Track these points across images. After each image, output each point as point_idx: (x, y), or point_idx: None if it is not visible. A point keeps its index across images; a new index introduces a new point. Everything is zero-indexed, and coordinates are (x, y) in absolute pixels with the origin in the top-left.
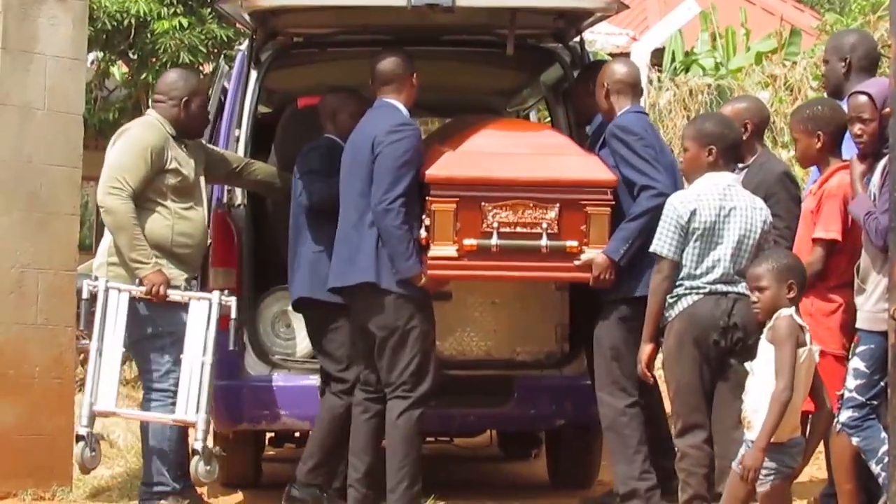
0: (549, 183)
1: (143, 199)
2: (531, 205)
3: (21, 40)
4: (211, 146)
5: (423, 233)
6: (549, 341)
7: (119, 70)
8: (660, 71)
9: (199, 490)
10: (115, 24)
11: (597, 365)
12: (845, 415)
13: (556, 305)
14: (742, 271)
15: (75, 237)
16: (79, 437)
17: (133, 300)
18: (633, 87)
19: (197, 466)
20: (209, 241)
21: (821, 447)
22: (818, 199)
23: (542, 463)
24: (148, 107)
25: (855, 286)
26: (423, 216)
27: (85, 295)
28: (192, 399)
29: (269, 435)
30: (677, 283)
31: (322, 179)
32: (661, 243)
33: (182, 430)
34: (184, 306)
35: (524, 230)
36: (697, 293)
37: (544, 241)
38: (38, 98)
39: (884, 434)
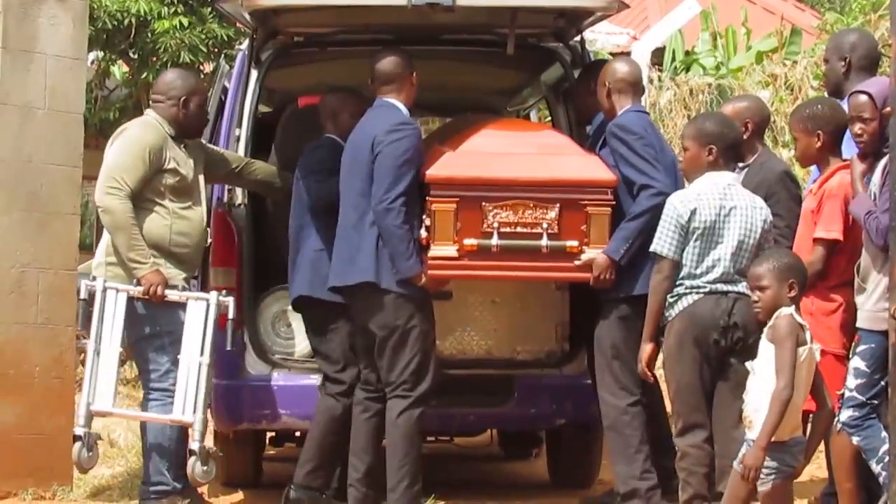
0: (549, 183)
1: (142, 198)
2: (531, 205)
3: (21, 40)
4: (211, 146)
5: (423, 233)
6: (549, 340)
7: (119, 69)
8: (660, 70)
9: (199, 489)
10: (116, 23)
11: (598, 364)
12: (846, 414)
13: (557, 305)
14: (742, 271)
15: (76, 237)
16: (76, 438)
17: (131, 300)
18: (634, 86)
19: (194, 467)
20: (209, 240)
21: (821, 446)
22: (819, 199)
23: (542, 462)
24: (148, 106)
25: (855, 285)
26: (424, 216)
27: (83, 295)
28: (189, 399)
29: (269, 434)
30: (677, 283)
31: (325, 178)
32: (662, 243)
33: (182, 430)
34: (182, 306)
35: (524, 230)
36: (698, 293)
37: (545, 241)
38: (39, 98)
39: (884, 433)
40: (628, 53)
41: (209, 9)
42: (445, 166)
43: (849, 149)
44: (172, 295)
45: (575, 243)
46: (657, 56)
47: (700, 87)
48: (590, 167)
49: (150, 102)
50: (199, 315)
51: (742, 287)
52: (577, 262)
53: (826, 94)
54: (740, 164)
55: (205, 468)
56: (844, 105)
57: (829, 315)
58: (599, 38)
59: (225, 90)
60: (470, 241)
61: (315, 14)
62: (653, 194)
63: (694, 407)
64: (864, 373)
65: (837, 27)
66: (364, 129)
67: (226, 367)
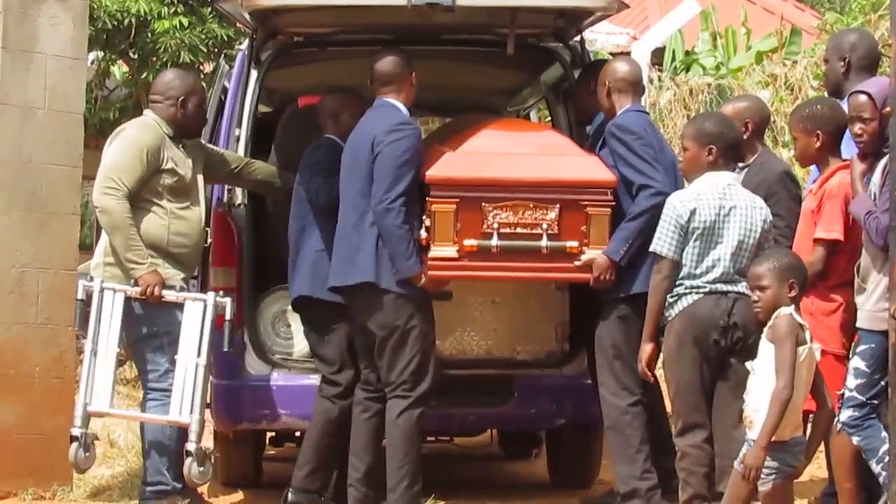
0: (549, 183)
1: (139, 199)
2: (531, 205)
3: (21, 40)
4: (210, 146)
5: (423, 233)
6: (549, 340)
7: (119, 69)
8: (660, 70)
9: (199, 489)
10: (116, 23)
11: (598, 364)
12: (846, 414)
13: (557, 305)
14: (742, 271)
15: (76, 237)
16: (73, 438)
17: (129, 300)
18: (634, 86)
19: (191, 467)
20: (208, 240)
21: (821, 446)
22: (819, 199)
23: (542, 462)
24: (148, 106)
25: (855, 285)
26: (424, 217)
27: (80, 295)
28: (186, 400)
29: (269, 434)
30: (677, 283)
31: (326, 178)
32: (661, 243)
33: (182, 430)
34: (180, 306)
35: (524, 231)
36: (697, 293)
37: (545, 242)
38: (39, 98)
39: (884, 433)
40: (628, 53)
41: (209, 9)
42: (445, 167)
43: (848, 149)
44: (170, 295)
45: (575, 244)
46: (657, 56)
47: (700, 87)
48: (590, 168)
49: (149, 103)
50: (196, 315)
51: (742, 287)
52: (577, 263)
53: (826, 94)
54: (740, 164)
55: (201, 469)
56: (844, 105)
57: (829, 315)
58: (599, 38)
59: (225, 90)
60: (470, 242)
61: (315, 14)
62: (652, 194)
63: (694, 407)
64: (864, 373)
65: (837, 27)
66: (364, 129)
67: (226, 367)
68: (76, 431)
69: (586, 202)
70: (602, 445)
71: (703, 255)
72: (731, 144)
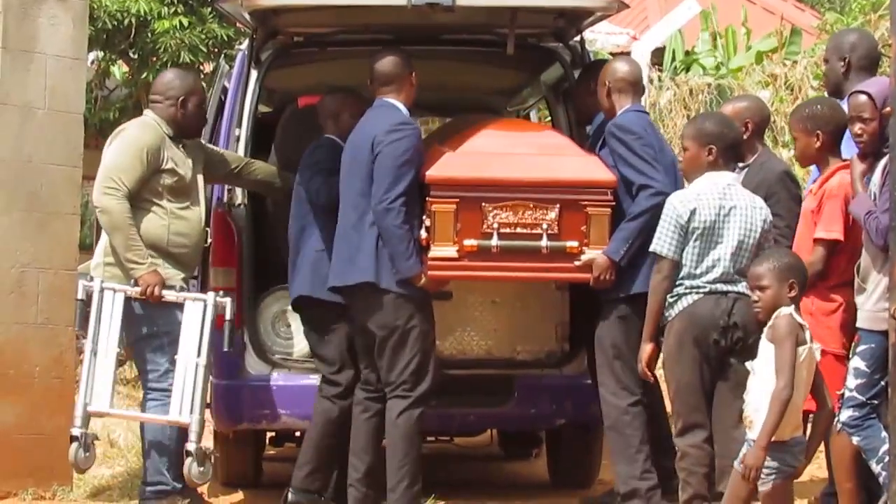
0: (549, 183)
1: (139, 199)
2: (531, 205)
3: (21, 40)
4: (210, 146)
5: (423, 233)
6: (549, 340)
7: (119, 69)
8: (660, 70)
9: (199, 489)
10: (116, 23)
11: (598, 364)
12: (846, 414)
13: (557, 305)
14: (742, 271)
15: (76, 237)
16: (73, 438)
17: (129, 300)
18: (634, 86)
19: (190, 468)
20: (208, 240)
21: (821, 446)
22: (819, 199)
23: (542, 462)
24: (148, 106)
25: (855, 285)
26: (424, 217)
27: (80, 295)
28: (186, 400)
29: (269, 434)
30: (677, 283)
31: (327, 178)
32: (661, 243)
33: (182, 430)
34: (180, 306)
35: (524, 231)
36: (697, 293)
37: (545, 242)
38: (39, 97)
39: (884, 433)
40: (628, 53)
41: (209, 9)
42: (445, 167)
43: (848, 149)
44: (170, 295)
45: (575, 244)
46: (657, 56)
47: (700, 87)
48: (590, 168)
49: (149, 103)
50: (196, 316)
51: (742, 287)
52: (577, 263)
53: (826, 94)
54: (740, 164)
55: (201, 469)
56: (844, 105)
57: (829, 315)
58: (599, 38)
59: (225, 90)
60: (470, 242)
61: (315, 14)
62: (652, 194)
63: (694, 407)
64: (864, 373)
65: (837, 27)
66: (364, 129)
67: (226, 367)
68: (76, 431)
69: (586, 202)
70: (602, 445)
71: (703, 255)
72: (731, 144)
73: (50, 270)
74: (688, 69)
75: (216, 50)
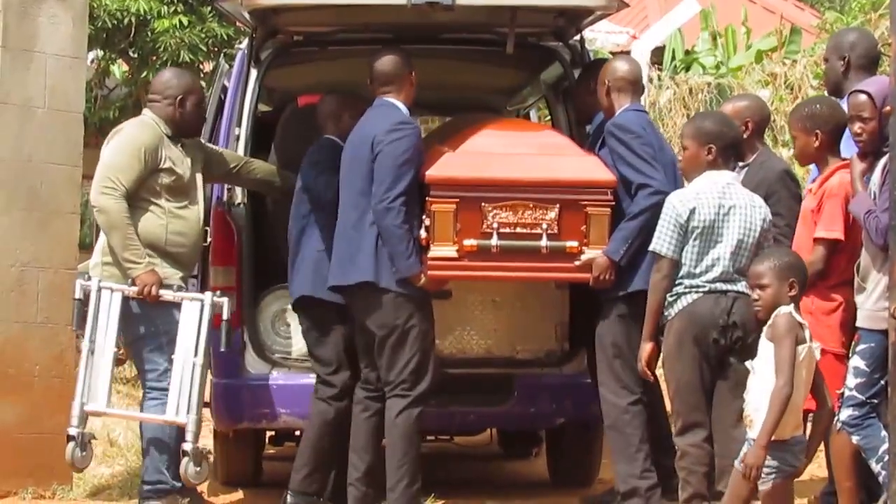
0: (549, 183)
1: (137, 198)
2: (531, 205)
3: (21, 39)
4: (210, 145)
5: (423, 233)
6: (549, 340)
7: (119, 68)
8: (660, 69)
9: (199, 489)
10: (116, 22)
11: (599, 363)
12: (845, 413)
13: (557, 304)
14: (742, 270)
15: (76, 236)
16: (69, 437)
17: (127, 300)
18: (634, 85)
19: (187, 467)
20: (209, 239)
21: (821, 446)
22: (819, 199)
23: (542, 461)
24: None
25: (855, 285)
26: (423, 216)
27: (77, 294)
28: (183, 400)
29: (269, 434)
30: (677, 282)
31: (333, 175)
32: (661, 242)
33: (181, 430)
34: (178, 306)
35: (524, 231)
36: (697, 292)
37: (544, 242)
38: (39, 97)
39: (884, 433)
40: (628, 52)
41: (209, 8)
42: (445, 167)
43: (848, 148)
44: (167, 295)
45: (575, 244)
46: (657, 55)
47: (700, 86)
48: (589, 168)
49: (147, 102)
50: (193, 315)
51: (741, 286)
52: (576, 263)
53: (826, 94)
54: (741, 164)
55: (197, 469)
56: (844, 104)
57: (829, 314)
58: (599, 37)
59: (224, 89)
60: (470, 242)
61: (314, 13)
62: (650, 193)
63: (693, 406)
64: (864, 372)
65: (837, 26)
66: (364, 129)
67: (225, 367)
68: (73, 431)
69: (586, 202)
70: (602, 444)
71: (702, 255)
72: (731, 143)
73: (50, 269)
74: (688, 68)
75: (216, 49)
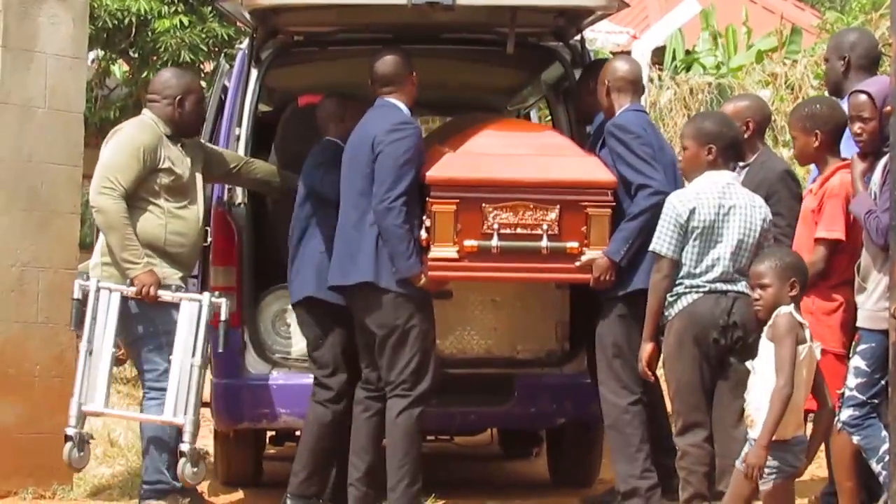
0: (549, 184)
1: (136, 198)
2: (531, 206)
3: (21, 39)
4: (210, 145)
5: (423, 234)
6: (549, 339)
7: (120, 68)
8: (660, 69)
9: (199, 488)
10: (116, 22)
11: (599, 363)
12: (846, 413)
13: (557, 304)
14: (742, 270)
15: (76, 236)
16: (67, 438)
17: (126, 300)
18: (633, 85)
19: (184, 468)
20: (209, 239)
21: (822, 446)
22: (819, 199)
23: (542, 461)
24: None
25: (855, 285)
26: (424, 217)
27: (76, 294)
28: (180, 400)
29: (269, 433)
30: (677, 282)
31: (339, 175)
32: (661, 242)
33: (181, 430)
34: (177, 306)
35: (525, 231)
36: (697, 292)
37: (545, 243)
38: (39, 97)
39: (884, 433)
40: (628, 52)
41: (209, 8)
42: (445, 167)
43: (848, 148)
44: (165, 295)
45: (575, 244)
46: (657, 55)
47: (700, 86)
48: (590, 168)
49: (147, 102)
50: (191, 316)
51: (742, 286)
52: (577, 264)
53: (826, 94)
54: (741, 164)
55: (194, 470)
56: (844, 104)
57: (830, 314)
58: (599, 37)
59: (225, 89)
60: (470, 243)
61: (315, 13)
62: (650, 194)
63: (694, 406)
64: (865, 372)
65: (838, 26)
66: (364, 129)
67: (226, 367)
68: (70, 431)
69: (586, 203)
70: (603, 444)
71: (702, 255)
72: (731, 143)
73: (50, 269)
74: (688, 68)
75: (216, 49)
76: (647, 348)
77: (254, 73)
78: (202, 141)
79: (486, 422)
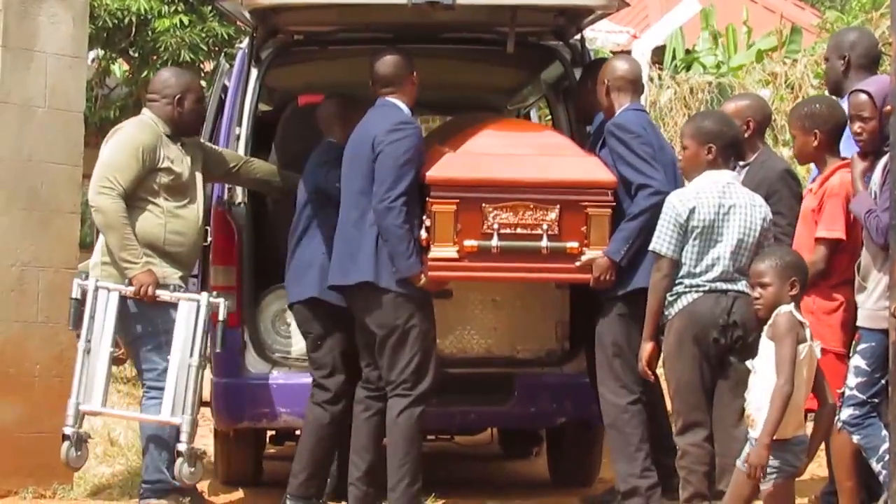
0: (549, 184)
1: (135, 197)
2: (531, 206)
3: (21, 38)
4: (210, 144)
5: (423, 234)
6: (549, 339)
7: (120, 68)
8: (661, 69)
9: (199, 488)
10: (116, 21)
11: (598, 362)
12: (846, 413)
13: (557, 303)
14: (742, 269)
15: (76, 235)
16: (65, 437)
17: (125, 300)
18: (633, 84)
19: (181, 468)
20: (209, 239)
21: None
22: (820, 198)
23: (542, 461)
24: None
25: (856, 284)
26: (424, 217)
27: (74, 294)
28: (178, 400)
29: (269, 433)
30: (677, 282)
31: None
32: (661, 242)
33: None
34: (176, 306)
35: (525, 231)
36: (697, 291)
37: (545, 243)
38: (39, 96)
39: (885, 432)
40: (628, 52)
41: (209, 7)
42: (446, 167)
43: (848, 147)
44: (164, 295)
45: (575, 244)
46: (657, 54)
47: (700, 85)
48: (590, 168)
49: (146, 101)
50: (189, 315)
51: (741, 286)
52: (577, 264)
53: (826, 93)
54: (741, 163)
55: (192, 469)
56: (844, 104)
57: (830, 314)
58: (599, 36)
59: (225, 89)
60: (470, 243)
61: (315, 13)
62: (650, 193)
63: (694, 405)
64: (865, 371)
65: (838, 26)
66: (365, 128)
67: (226, 366)
68: (68, 430)
69: (586, 203)
70: (603, 444)
71: (702, 254)
72: (731, 143)
73: (50, 269)
74: (688, 68)
75: (216, 48)
76: (647, 348)
77: (254, 72)
78: (202, 140)
79: (486, 421)
